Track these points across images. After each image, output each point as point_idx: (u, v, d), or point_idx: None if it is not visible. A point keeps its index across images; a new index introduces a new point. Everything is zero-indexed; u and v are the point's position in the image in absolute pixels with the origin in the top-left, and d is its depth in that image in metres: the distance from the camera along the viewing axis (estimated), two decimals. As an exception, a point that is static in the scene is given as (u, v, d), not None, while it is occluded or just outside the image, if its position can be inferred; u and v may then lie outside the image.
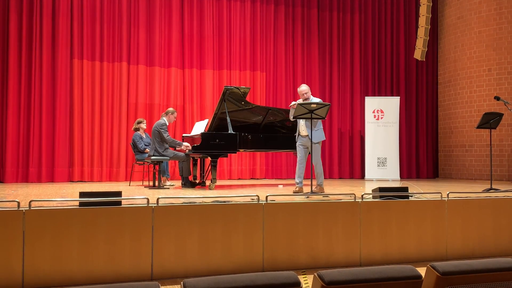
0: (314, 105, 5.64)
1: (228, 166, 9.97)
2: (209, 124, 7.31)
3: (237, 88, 7.04)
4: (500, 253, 5.17)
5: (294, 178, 6.33)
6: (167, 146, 7.14)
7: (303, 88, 6.37)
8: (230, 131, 6.87)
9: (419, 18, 10.98)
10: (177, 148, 7.26)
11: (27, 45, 8.67)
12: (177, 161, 8.25)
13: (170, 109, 7.54)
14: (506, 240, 5.26)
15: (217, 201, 4.51)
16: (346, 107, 10.99)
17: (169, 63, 9.66)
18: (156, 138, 7.10)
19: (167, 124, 7.27)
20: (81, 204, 4.02)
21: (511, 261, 2.36)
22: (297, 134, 6.43)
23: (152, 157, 7.05)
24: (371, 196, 5.04)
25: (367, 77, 11.17)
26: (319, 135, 6.15)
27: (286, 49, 10.57)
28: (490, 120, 6.60)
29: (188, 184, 7.34)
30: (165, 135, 7.05)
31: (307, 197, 5.27)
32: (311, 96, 6.37)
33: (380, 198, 4.93)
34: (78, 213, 3.91)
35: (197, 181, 7.63)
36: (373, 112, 10.58)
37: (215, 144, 6.73)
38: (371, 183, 9.14)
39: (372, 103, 10.61)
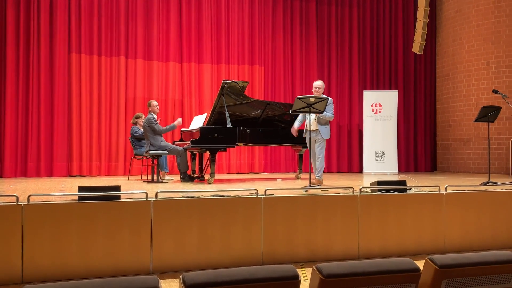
0: (313, 99, 5.65)
1: (227, 160, 9.98)
2: (207, 118, 7.31)
3: (236, 82, 7.03)
4: (497, 246, 5.20)
5: (293, 172, 6.37)
6: (161, 138, 7.17)
7: (318, 82, 6.49)
8: (229, 125, 6.87)
9: (417, 11, 10.95)
10: (175, 143, 7.26)
11: (24, 40, 8.64)
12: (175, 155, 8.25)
13: (149, 102, 7.51)
14: (504, 233, 5.29)
15: (216, 195, 4.51)
16: (344, 101, 10.99)
17: (167, 57, 9.64)
18: (149, 134, 7.12)
19: (155, 116, 7.28)
20: (80, 198, 4.02)
21: (509, 254, 2.38)
22: None
23: (151, 152, 7.06)
24: (369, 189, 5.05)
25: (365, 71, 11.16)
26: (324, 131, 6.32)
27: (284, 43, 10.55)
28: (488, 114, 6.61)
29: (187, 178, 7.35)
30: (156, 127, 7.08)
31: (306, 190, 5.28)
32: (322, 95, 6.43)
33: (378, 191, 4.95)
34: (77, 208, 3.91)
35: (196, 175, 7.64)
36: (372, 106, 10.58)
37: (213, 138, 6.73)
38: (369, 176, 9.15)
39: (370, 97, 10.62)
